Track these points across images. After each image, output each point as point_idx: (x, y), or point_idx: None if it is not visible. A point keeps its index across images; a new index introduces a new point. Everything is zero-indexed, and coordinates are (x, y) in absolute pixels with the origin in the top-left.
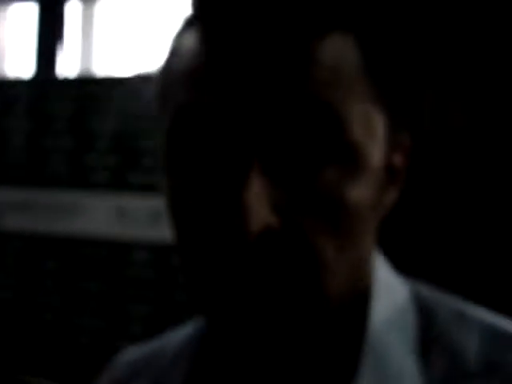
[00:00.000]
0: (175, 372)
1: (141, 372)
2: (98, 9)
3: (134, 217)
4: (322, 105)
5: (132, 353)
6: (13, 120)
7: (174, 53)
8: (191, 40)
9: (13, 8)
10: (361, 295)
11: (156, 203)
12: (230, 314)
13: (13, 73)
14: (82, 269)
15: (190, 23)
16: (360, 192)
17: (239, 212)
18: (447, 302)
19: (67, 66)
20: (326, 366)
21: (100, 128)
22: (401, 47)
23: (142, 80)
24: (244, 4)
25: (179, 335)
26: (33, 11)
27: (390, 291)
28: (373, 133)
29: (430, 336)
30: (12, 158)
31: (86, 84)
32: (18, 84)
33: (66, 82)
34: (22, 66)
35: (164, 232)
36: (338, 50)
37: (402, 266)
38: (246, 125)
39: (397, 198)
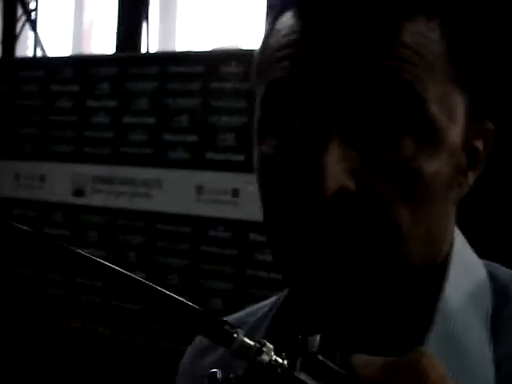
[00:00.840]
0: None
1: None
2: None
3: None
4: (401, 80)
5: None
6: (98, 97)
7: (270, 32)
8: (287, 20)
9: None
10: (439, 268)
11: (234, 181)
12: (308, 272)
13: (97, 50)
14: (162, 244)
15: (285, 5)
16: (435, 166)
17: (317, 172)
18: None
19: (148, 43)
20: (398, 327)
21: (180, 106)
22: (485, 34)
23: (220, 56)
24: None
25: (259, 308)
26: None
27: (468, 267)
28: (451, 113)
29: (503, 314)
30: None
31: (166, 60)
32: (101, 61)
33: (147, 58)
34: (105, 45)
35: (242, 209)
36: (422, 32)
37: (477, 249)
38: (330, 95)
39: (475, 182)
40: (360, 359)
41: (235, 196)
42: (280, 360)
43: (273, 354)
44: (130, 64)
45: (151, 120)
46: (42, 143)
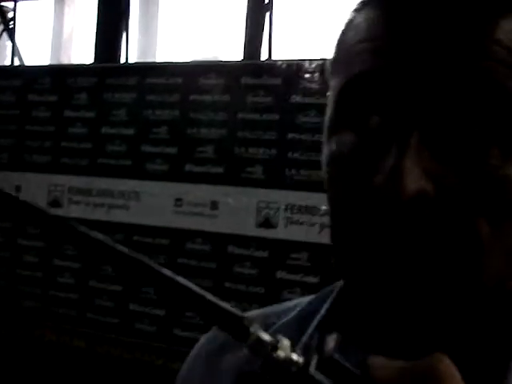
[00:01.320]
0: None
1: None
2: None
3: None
4: (496, 84)
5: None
6: (75, 107)
7: (349, 27)
8: (367, 14)
9: (77, 0)
10: None
11: (213, 193)
12: (378, 279)
13: (75, 61)
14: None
15: (364, 3)
16: None
17: (395, 174)
18: None
19: (127, 54)
20: (470, 349)
21: (158, 117)
22: None
23: (199, 68)
24: None
25: (283, 310)
26: (94, 3)
27: None
28: None
29: None
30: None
31: (146, 71)
32: (80, 71)
33: (126, 68)
34: (84, 55)
35: (221, 222)
36: None
37: None
38: (415, 93)
39: None
40: (377, 361)
41: (214, 208)
42: (296, 357)
43: (289, 350)
44: (109, 75)
45: (130, 131)
46: (18, 153)
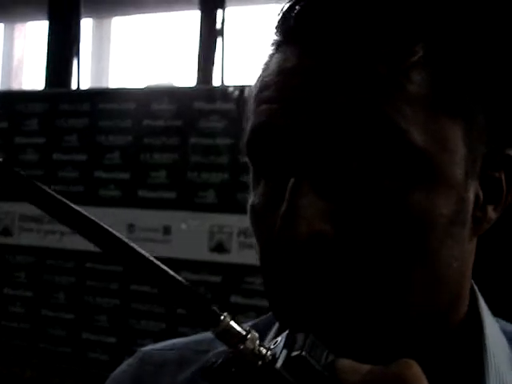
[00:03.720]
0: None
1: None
2: (110, 25)
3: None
4: (380, 113)
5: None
6: (26, 134)
7: (259, 74)
8: (269, 61)
9: (28, 26)
10: (468, 320)
11: (166, 218)
12: (288, 313)
13: (27, 87)
14: (92, 284)
15: (277, 46)
16: (429, 203)
17: (290, 217)
18: None
19: (79, 80)
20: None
21: (111, 142)
22: (472, 56)
23: (152, 93)
24: (319, 33)
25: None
26: (45, 29)
27: (491, 325)
28: (444, 143)
29: None
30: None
31: (98, 97)
32: (31, 97)
33: (78, 94)
34: (35, 81)
35: (174, 247)
36: (401, 61)
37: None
38: (305, 134)
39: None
40: (345, 364)
41: (167, 234)
42: (264, 351)
43: (257, 343)
44: (60, 101)
45: (82, 157)
46: None
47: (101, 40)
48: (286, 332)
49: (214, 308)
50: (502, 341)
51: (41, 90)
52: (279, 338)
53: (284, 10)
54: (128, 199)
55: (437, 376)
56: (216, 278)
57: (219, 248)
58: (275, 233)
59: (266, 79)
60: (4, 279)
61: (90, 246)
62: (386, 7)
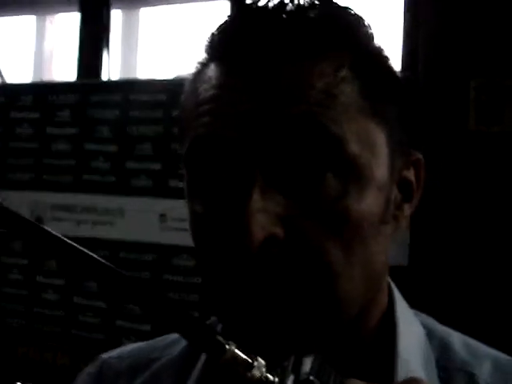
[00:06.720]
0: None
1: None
2: (140, 16)
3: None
4: (316, 124)
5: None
6: (58, 124)
7: (191, 89)
8: (205, 76)
9: (58, 17)
10: (383, 303)
11: None
12: (239, 322)
13: (58, 78)
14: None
15: (206, 62)
16: (364, 203)
17: (242, 224)
18: (454, 333)
19: (110, 71)
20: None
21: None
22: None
23: (182, 84)
24: (252, 50)
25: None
26: (76, 20)
27: (407, 321)
28: (373, 148)
29: (449, 365)
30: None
31: (129, 88)
32: (62, 88)
33: (109, 85)
34: (67, 72)
35: None
36: (332, 72)
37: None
38: (250, 146)
39: (413, 213)
40: None
41: None
42: (271, 377)
43: (264, 370)
44: (92, 91)
45: (113, 148)
46: (0, 171)
47: (129, 31)
48: (293, 356)
49: (219, 338)
50: (419, 335)
51: (72, 81)
52: (285, 363)
53: (222, 28)
54: (159, 189)
55: (352, 368)
56: None
57: None
58: (231, 240)
59: (205, 94)
60: (37, 268)
61: (122, 236)
62: (315, 29)
